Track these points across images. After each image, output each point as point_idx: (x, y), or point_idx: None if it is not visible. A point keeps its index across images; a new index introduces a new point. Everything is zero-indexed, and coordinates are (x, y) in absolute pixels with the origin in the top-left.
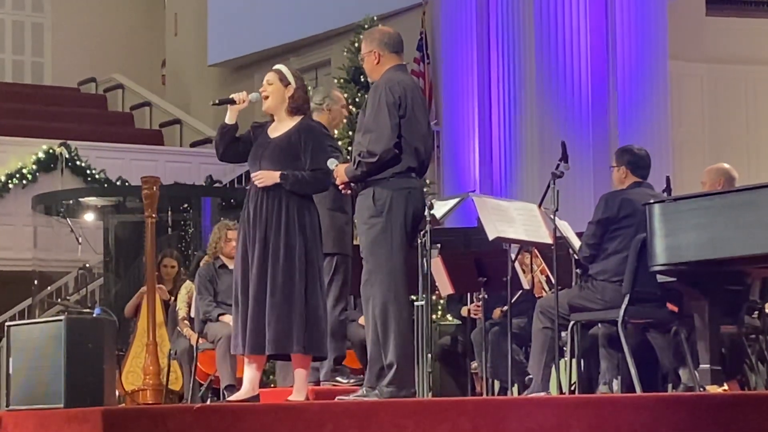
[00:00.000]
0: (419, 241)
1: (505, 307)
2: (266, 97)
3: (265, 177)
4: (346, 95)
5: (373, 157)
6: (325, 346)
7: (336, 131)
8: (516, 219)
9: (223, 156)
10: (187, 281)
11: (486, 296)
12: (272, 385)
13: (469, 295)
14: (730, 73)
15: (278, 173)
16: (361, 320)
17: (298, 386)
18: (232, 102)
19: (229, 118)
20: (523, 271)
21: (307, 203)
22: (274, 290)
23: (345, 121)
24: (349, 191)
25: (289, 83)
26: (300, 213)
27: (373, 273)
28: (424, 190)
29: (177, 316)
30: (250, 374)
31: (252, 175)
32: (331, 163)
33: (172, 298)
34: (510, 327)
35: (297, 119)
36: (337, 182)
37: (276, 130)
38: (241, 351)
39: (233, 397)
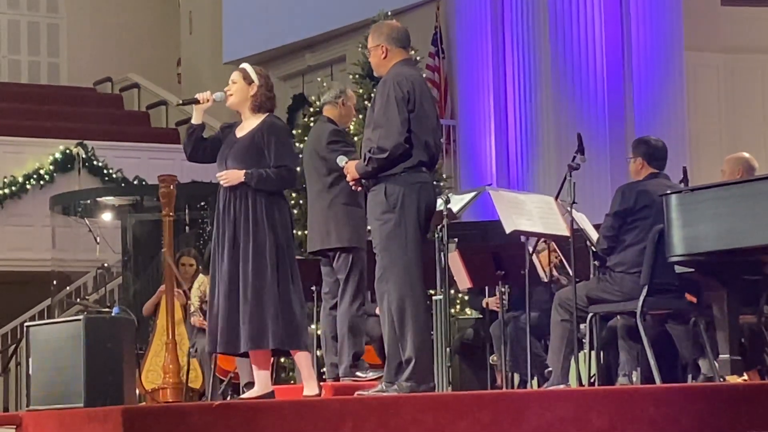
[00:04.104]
0: (437, 235)
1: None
2: (230, 96)
3: (230, 176)
4: (361, 90)
5: (384, 153)
6: (302, 338)
7: (351, 127)
8: (533, 212)
9: (191, 156)
10: (200, 275)
11: (509, 289)
12: (292, 382)
13: (487, 288)
14: (746, 63)
15: (242, 172)
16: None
17: (305, 378)
18: (197, 102)
19: (195, 118)
20: (539, 261)
21: (276, 199)
22: (246, 288)
23: (354, 120)
24: (359, 188)
25: (253, 81)
26: (269, 210)
27: (388, 268)
28: (440, 184)
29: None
30: (257, 372)
31: (217, 175)
32: (341, 159)
33: (189, 302)
34: (528, 320)
35: (261, 117)
36: (348, 179)
37: (242, 129)
38: (213, 349)
39: (247, 395)
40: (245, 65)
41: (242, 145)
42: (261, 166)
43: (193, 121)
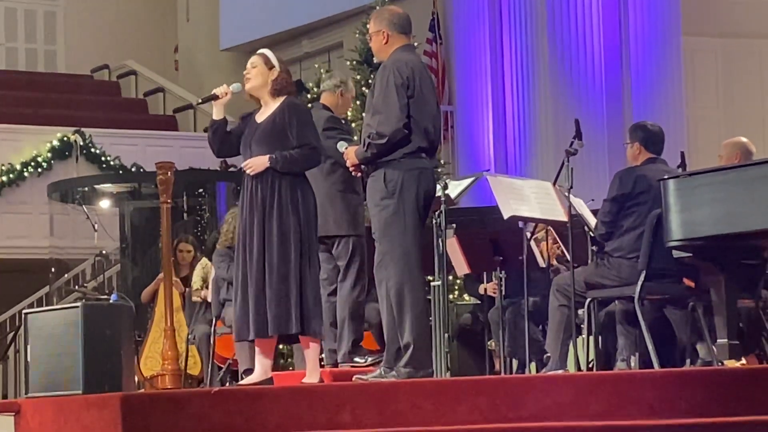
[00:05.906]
0: (435, 221)
1: None
2: (249, 80)
3: (255, 164)
4: (358, 77)
5: (383, 139)
6: (314, 324)
7: (349, 114)
8: (531, 197)
9: (219, 152)
10: (203, 259)
11: (506, 275)
12: (290, 368)
13: (486, 273)
14: (744, 48)
15: (267, 157)
16: None
17: (310, 367)
18: (216, 98)
19: (216, 114)
20: (537, 247)
21: (300, 182)
22: (272, 273)
23: (351, 107)
24: (359, 173)
25: (274, 66)
26: (293, 193)
27: (387, 254)
28: (438, 170)
29: (191, 289)
30: (260, 359)
31: (242, 164)
32: (341, 145)
33: (187, 290)
34: (527, 305)
35: (280, 100)
36: (348, 164)
37: (262, 115)
38: (246, 336)
39: (245, 381)
40: (265, 50)
41: (264, 128)
42: (285, 148)
43: (214, 117)
